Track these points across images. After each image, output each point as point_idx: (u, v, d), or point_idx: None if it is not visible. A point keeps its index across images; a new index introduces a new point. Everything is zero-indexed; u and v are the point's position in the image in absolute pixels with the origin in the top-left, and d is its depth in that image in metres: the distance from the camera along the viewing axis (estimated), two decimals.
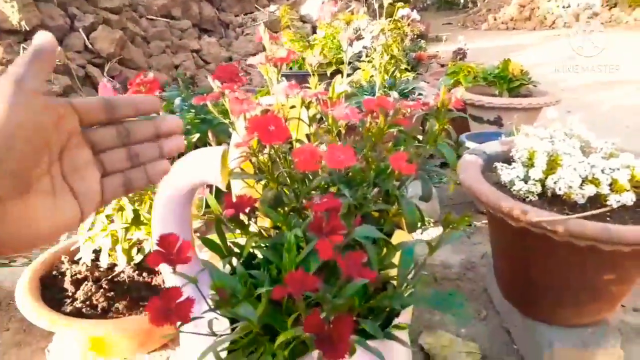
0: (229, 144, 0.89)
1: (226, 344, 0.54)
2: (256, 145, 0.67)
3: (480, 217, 1.60)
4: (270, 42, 0.77)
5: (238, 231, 0.63)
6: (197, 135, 1.09)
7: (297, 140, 0.73)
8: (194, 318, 0.47)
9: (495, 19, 8.07)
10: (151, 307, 0.44)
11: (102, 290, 0.80)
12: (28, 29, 2.83)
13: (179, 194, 0.56)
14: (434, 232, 1.53)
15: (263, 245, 0.59)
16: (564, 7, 7.06)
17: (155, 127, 0.36)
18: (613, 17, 6.60)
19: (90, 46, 3.23)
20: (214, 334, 0.54)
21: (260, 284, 0.57)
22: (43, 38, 0.29)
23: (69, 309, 0.77)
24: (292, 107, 0.71)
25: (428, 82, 2.41)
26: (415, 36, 2.75)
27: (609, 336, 0.92)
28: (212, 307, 0.45)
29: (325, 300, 0.46)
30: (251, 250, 0.63)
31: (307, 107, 0.71)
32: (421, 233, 1.48)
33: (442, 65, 3.53)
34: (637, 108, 3.04)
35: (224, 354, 0.54)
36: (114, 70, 3.27)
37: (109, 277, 0.83)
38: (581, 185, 0.86)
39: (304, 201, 0.69)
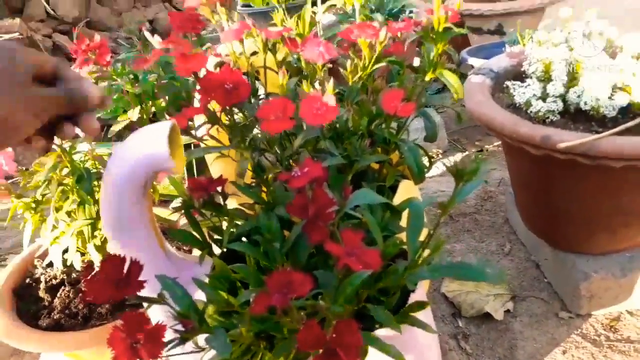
0: None
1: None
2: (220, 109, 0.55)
3: (492, 140, 1.48)
4: None
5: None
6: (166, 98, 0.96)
7: (269, 95, 0.60)
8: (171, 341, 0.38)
9: None
10: (115, 341, 0.35)
11: (81, 294, 0.71)
12: None
13: (125, 189, 0.45)
14: (442, 164, 1.42)
15: (239, 234, 0.49)
16: None
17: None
18: None
19: (52, 12, 2.99)
20: (200, 349, 0.45)
21: (246, 278, 0.47)
22: None
23: (46, 322, 0.68)
24: (254, 53, 0.58)
25: None
26: None
27: None
28: (177, 341, 0.36)
29: (320, 309, 0.36)
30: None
31: (272, 51, 0.58)
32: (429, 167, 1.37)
33: None
34: None
35: None
36: (84, 35, 3.06)
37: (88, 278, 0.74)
38: (610, 95, 0.73)
39: (291, 163, 0.59)
